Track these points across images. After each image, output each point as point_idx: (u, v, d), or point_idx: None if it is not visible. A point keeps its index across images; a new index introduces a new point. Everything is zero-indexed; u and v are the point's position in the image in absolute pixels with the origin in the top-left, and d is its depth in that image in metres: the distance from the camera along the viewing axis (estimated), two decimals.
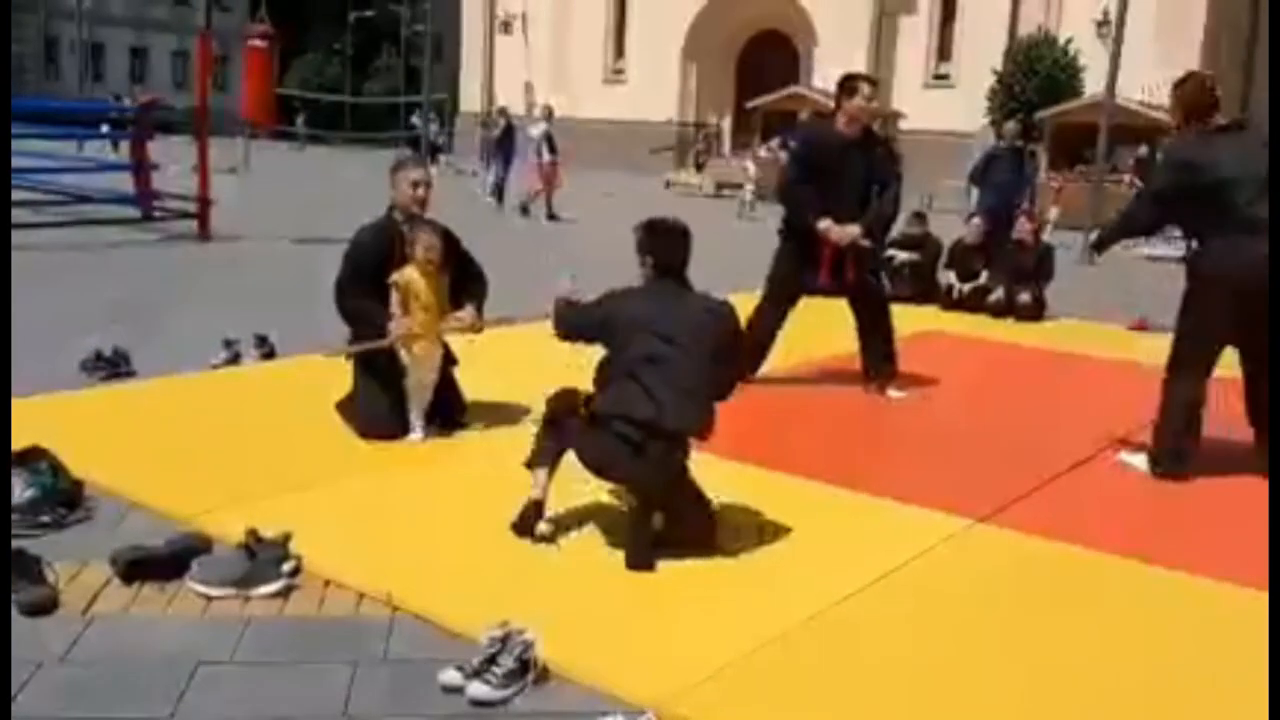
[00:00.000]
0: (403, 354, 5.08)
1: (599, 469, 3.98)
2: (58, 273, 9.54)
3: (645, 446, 3.82)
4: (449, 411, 5.30)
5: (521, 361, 6.14)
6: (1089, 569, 4.04)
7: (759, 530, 4.20)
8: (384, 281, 5.05)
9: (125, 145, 15.71)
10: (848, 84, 6.50)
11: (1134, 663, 3.32)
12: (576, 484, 4.15)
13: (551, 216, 17.98)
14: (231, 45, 28.66)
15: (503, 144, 20.33)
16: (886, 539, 4.20)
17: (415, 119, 31.46)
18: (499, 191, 19.69)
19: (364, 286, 5.11)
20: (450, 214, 5.73)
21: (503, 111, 21.67)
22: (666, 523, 3.94)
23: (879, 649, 3.32)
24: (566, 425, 4.04)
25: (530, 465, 4.09)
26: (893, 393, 6.58)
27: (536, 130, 19.14)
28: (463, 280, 5.29)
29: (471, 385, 5.52)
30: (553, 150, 18.75)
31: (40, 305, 7.75)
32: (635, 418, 3.82)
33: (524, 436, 5.15)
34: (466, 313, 5.24)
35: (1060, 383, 7.78)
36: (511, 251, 11.11)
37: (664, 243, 4.17)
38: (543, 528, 3.99)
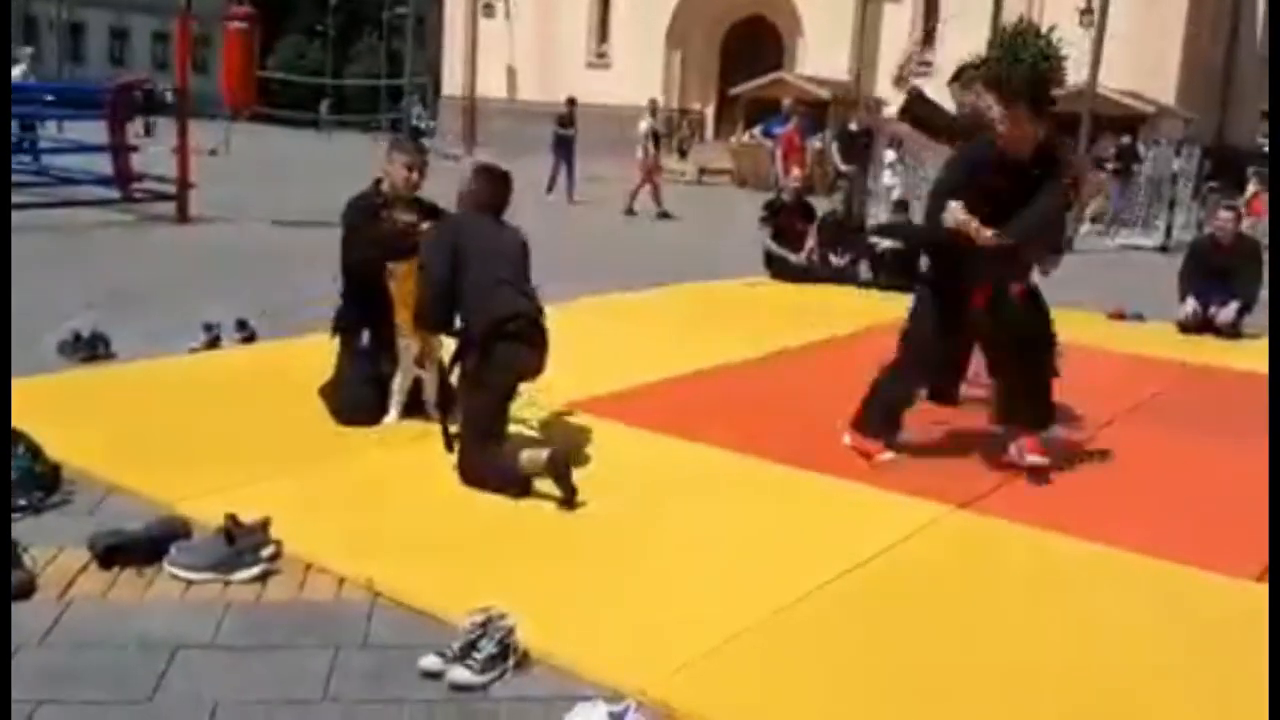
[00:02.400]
0: (399, 339, 5.06)
1: (519, 374, 4.53)
2: (36, 254, 9.45)
3: (534, 335, 4.49)
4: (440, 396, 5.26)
5: None
6: (1067, 555, 4.06)
7: (738, 516, 4.21)
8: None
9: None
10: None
11: (1112, 650, 3.34)
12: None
13: (664, 214, 17.33)
14: (213, 27, 28.37)
15: (565, 139, 19.23)
16: (866, 525, 4.22)
17: (413, 104, 30.91)
18: (553, 184, 18.90)
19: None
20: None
21: (571, 102, 19.82)
22: None
23: (859, 634, 3.33)
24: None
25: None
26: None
27: (643, 125, 18.54)
28: None
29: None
30: (657, 146, 18.35)
31: (18, 286, 7.67)
32: (521, 312, 4.45)
33: (509, 421, 5.19)
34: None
35: None
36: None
37: (492, 186, 4.78)
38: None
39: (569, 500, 4.14)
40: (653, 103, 19.97)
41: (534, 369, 4.58)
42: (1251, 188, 18.70)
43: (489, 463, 4.34)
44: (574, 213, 17.37)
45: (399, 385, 5.11)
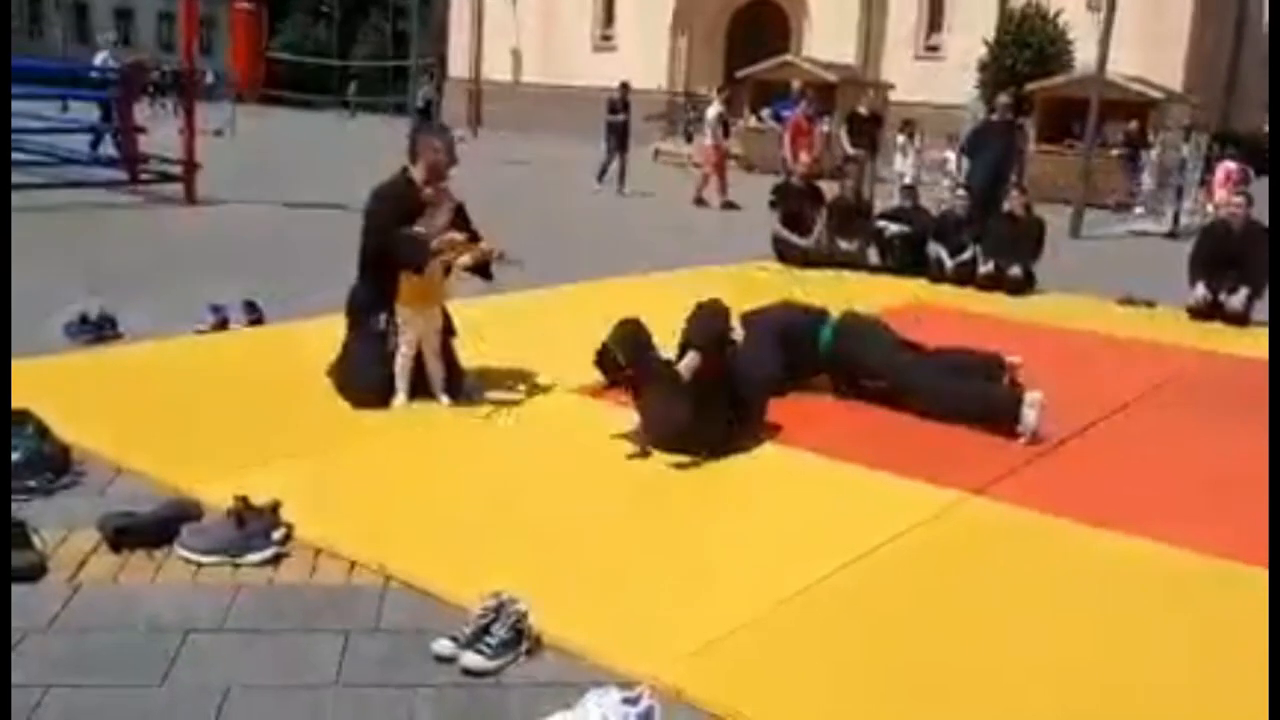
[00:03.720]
0: (399, 312, 5.04)
1: None
2: (42, 234, 9.44)
3: None
4: (448, 381, 5.25)
5: (524, 332, 6.12)
6: (1079, 543, 4.04)
7: (753, 502, 4.19)
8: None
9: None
10: None
11: (1124, 641, 3.32)
12: (572, 452, 4.13)
13: (728, 204, 16.54)
14: (218, 7, 28.31)
15: (616, 124, 18.28)
16: (879, 512, 4.19)
17: (420, 85, 30.61)
18: (604, 173, 17.99)
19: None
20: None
21: (624, 86, 18.89)
22: None
23: (872, 622, 3.31)
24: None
25: None
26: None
27: (711, 111, 18.13)
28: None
29: (479, 356, 5.49)
30: (726, 133, 17.83)
31: (24, 267, 7.66)
32: None
33: (521, 405, 5.17)
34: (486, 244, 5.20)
35: (1049, 356, 7.72)
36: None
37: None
38: None
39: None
40: (721, 88, 19.25)
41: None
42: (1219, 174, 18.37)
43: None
44: (622, 204, 16.72)
45: (400, 368, 5.08)
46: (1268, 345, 7.71)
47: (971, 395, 5.50)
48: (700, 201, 16.84)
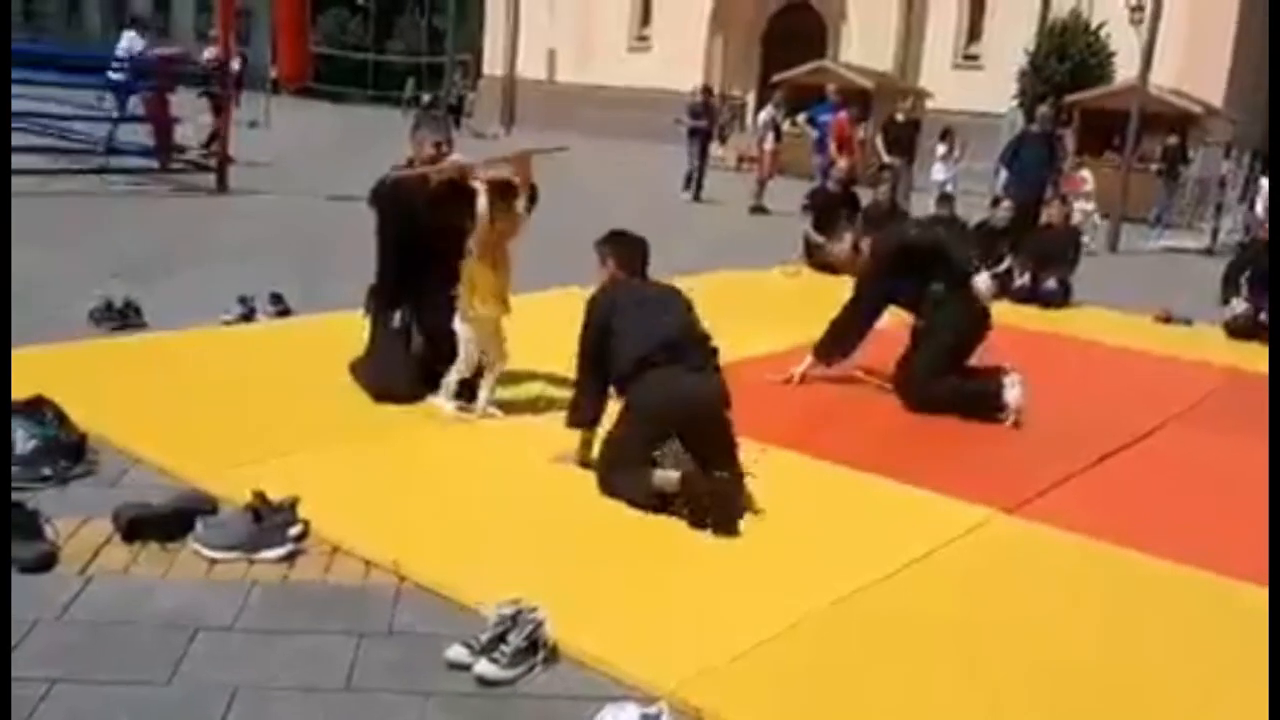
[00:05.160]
0: (468, 311, 4.85)
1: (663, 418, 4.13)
2: (72, 221, 9.45)
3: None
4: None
5: (545, 330, 6.01)
6: (1112, 564, 3.93)
7: (779, 514, 4.09)
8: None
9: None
10: None
11: (1153, 666, 3.22)
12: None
13: (757, 209, 16.19)
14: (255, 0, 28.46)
15: (699, 130, 17.54)
16: (907, 528, 4.09)
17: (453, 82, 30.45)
18: (689, 181, 17.21)
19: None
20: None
21: (707, 90, 18.36)
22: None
23: (898, 641, 3.21)
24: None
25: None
26: None
27: (764, 114, 17.84)
28: None
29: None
30: (778, 138, 17.53)
31: (52, 254, 7.66)
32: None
33: (546, 405, 5.08)
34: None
35: (1087, 372, 7.62)
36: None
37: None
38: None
39: (696, 523, 3.84)
40: (777, 90, 18.91)
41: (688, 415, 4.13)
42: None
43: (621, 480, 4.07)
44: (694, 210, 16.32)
45: (453, 379, 4.90)
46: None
47: (959, 382, 5.78)
48: (757, 207, 16.40)
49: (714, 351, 4.29)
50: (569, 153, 5.31)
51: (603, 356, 4.24)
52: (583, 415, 4.34)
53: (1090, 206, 15.23)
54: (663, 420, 4.08)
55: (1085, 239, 13.48)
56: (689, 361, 4.14)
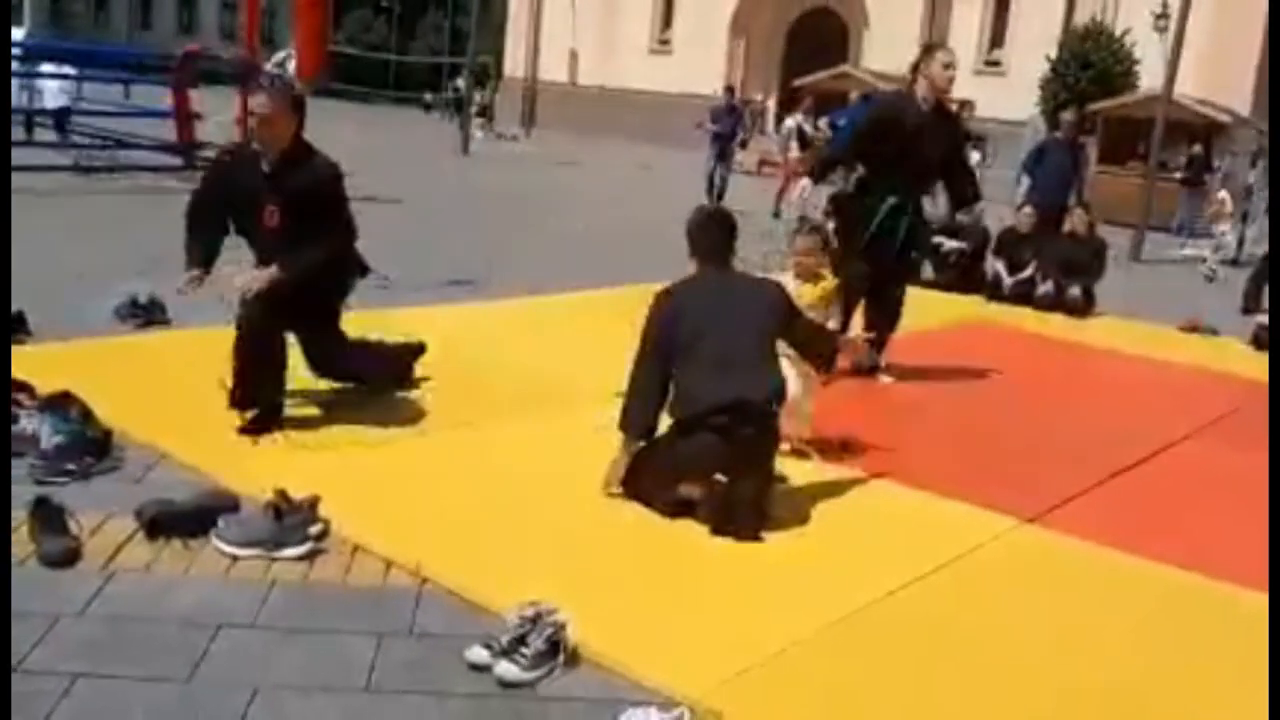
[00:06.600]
0: None
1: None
2: (96, 217, 9.50)
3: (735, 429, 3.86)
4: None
5: (568, 332, 6.04)
6: (1133, 576, 3.91)
7: (801, 522, 4.07)
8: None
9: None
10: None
11: (1173, 673, 3.20)
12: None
13: (776, 214, 15.59)
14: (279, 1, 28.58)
15: (722, 134, 17.12)
16: (930, 536, 4.06)
17: (459, 81, 30.57)
18: (711, 187, 16.77)
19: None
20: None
21: (730, 90, 18.09)
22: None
23: (920, 649, 3.19)
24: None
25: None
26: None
27: (789, 121, 17.60)
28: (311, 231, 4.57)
29: (526, 357, 5.40)
30: (803, 146, 17.05)
31: (77, 249, 7.70)
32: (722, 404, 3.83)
33: (575, 409, 5.08)
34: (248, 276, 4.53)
35: (1111, 382, 7.58)
36: None
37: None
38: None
39: (718, 530, 3.82)
40: (807, 99, 18.71)
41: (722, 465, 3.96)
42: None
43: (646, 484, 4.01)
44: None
45: None
46: None
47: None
48: (778, 215, 15.99)
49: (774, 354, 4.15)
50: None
51: (663, 362, 3.99)
52: (629, 420, 4.06)
53: (1225, 228, 14.29)
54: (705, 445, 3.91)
55: (1209, 270, 13.32)
56: (743, 376, 3.93)
